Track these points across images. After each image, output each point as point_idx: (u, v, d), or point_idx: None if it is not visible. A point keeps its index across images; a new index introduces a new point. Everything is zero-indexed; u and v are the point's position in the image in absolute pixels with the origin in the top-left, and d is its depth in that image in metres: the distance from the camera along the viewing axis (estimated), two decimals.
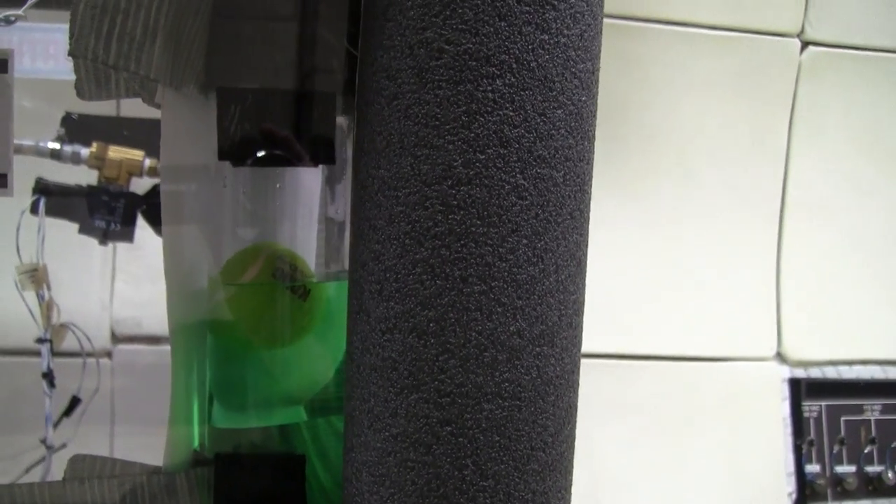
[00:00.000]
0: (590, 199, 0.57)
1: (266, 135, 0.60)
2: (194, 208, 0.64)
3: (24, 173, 1.23)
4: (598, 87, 0.57)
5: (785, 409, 1.71)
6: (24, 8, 0.77)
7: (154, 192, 1.26)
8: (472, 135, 0.51)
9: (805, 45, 1.68)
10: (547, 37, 0.52)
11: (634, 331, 1.66)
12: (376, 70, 0.54)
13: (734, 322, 1.70)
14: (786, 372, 1.72)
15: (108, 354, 1.50)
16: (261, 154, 0.61)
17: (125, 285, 1.54)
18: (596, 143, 0.54)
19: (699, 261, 1.68)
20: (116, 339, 1.52)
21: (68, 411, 1.30)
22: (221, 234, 0.65)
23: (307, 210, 0.69)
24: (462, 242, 0.51)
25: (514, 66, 0.51)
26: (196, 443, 0.67)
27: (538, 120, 0.52)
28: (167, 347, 1.35)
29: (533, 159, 0.52)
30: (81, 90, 0.58)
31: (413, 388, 0.52)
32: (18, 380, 1.35)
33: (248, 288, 0.65)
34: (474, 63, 0.51)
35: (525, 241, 0.52)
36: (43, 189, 1.21)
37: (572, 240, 0.55)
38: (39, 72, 1.39)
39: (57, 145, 1.21)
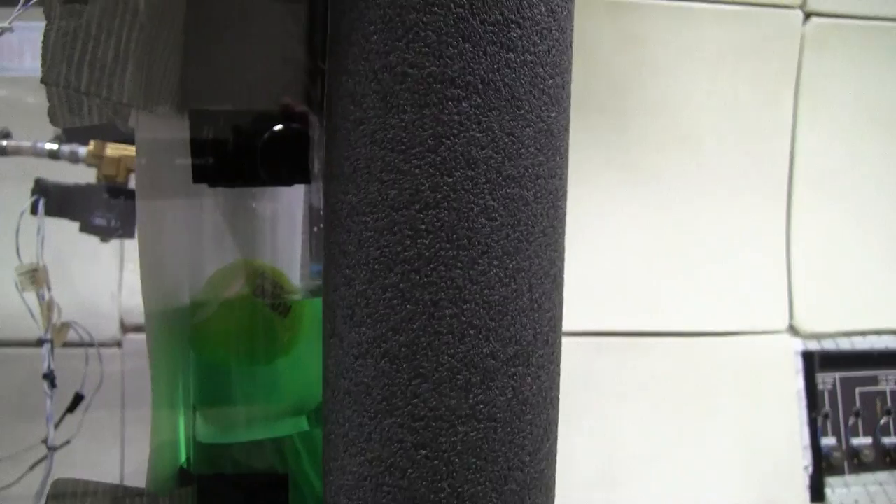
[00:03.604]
0: (564, 213, 0.57)
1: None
2: (173, 228, 0.64)
3: (23, 174, 1.23)
4: (570, 100, 0.56)
5: (799, 382, 1.71)
6: (9, 20, 0.77)
7: None
8: (439, 158, 0.51)
9: (808, 16, 1.66)
10: (512, 55, 0.51)
11: (645, 308, 1.66)
12: (342, 95, 0.53)
13: (745, 296, 1.70)
14: (798, 345, 1.72)
15: (118, 344, 1.52)
16: (234, 174, 0.60)
17: (134, 275, 1.54)
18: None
19: (708, 236, 1.67)
20: (125, 328, 1.54)
21: (72, 408, 1.31)
22: (201, 252, 0.65)
23: (289, 223, 0.68)
24: (432, 266, 0.51)
25: (480, 86, 0.51)
26: (183, 458, 0.67)
27: (506, 140, 0.52)
28: None
29: (502, 179, 0.52)
30: (55, 117, 0.58)
31: (387, 412, 0.52)
32: (22, 372, 1.36)
33: (228, 305, 0.65)
34: (439, 86, 0.50)
35: (496, 263, 0.52)
36: (42, 189, 1.21)
37: (546, 257, 0.54)
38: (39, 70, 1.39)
39: (54, 146, 1.22)
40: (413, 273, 0.51)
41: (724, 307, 1.70)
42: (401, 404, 0.52)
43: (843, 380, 1.73)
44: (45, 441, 1.20)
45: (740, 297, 1.71)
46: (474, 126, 0.51)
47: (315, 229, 0.69)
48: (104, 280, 1.55)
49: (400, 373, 0.52)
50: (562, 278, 0.57)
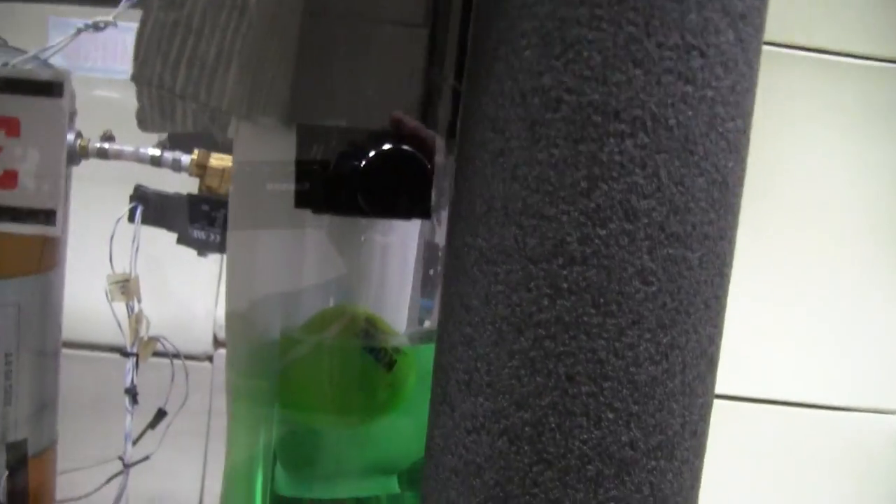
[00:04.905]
0: (729, 282, 0.48)
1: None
2: (268, 253, 0.57)
3: (122, 179, 1.19)
4: (748, 150, 0.48)
5: None
6: (113, 15, 0.73)
7: None
8: (593, 205, 0.42)
9: None
10: (691, 89, 0.43)
11: (753, 373, 1.61)
12: (480, 119, 0.46)
13: (860, 371, 1.64)
14: None
15: (209, 359, 1.53)
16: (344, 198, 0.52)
17: None
18: None
19: (826, 305, 1.61)
20: (219, 343, 1.55)
21: (153, 424, 1.25)
22: (299, 286, 0.58)
23: (401, 262, 0.61)
24: (571, 334, 0.43)
25: (649, 123, 0.42)
26: None
27: (674, 190, 0.43)
28: None
29: (664, 237, 0.43)
30: (143, 120, 0.51)
31: (500, 500, 0.45)
32: (108, 377, 1.33)
33: (324, 348, 0.58)
34: (600, 118, 0.42)
35: (648, 336, 0.43)
36: (141, 197, 1.16)
37: (705, 333, 0.46)
38: None
39: (157, 151, 1.16)
40: (548, 339, 0.43)
41: (837, 380, 1.65)
42: (517, 492, 0.44)
43: None
44: (121, 457, 1.14)
45: (854, 372, 1.65)
46: (638, 170, 0.42)
47: (431, 271, 0.61)
48: (200, 293, 1.54)
49: (520, 455, 0.44)
50: (717, 359, 0.48)
